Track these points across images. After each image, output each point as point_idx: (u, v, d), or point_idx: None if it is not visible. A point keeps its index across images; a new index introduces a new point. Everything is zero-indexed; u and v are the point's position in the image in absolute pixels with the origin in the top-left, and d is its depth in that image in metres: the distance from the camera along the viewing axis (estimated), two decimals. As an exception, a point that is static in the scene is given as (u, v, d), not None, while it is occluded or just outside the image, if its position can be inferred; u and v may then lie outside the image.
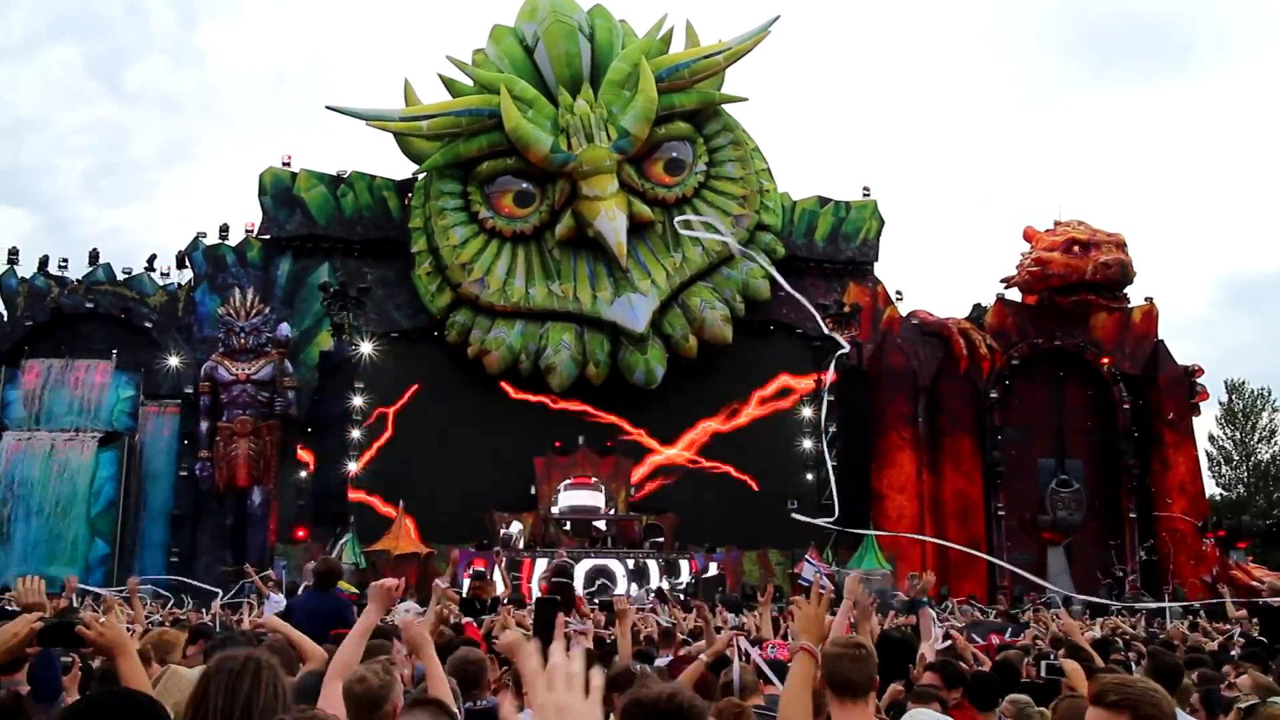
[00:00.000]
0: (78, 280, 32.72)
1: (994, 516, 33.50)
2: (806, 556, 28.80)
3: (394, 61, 75.76)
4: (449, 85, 32.77)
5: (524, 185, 32.12)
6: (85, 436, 31.45)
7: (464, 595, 11.01)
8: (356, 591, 24.65)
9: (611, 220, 30.59)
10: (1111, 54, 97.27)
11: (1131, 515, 33.93)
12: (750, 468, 32.52)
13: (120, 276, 33.02)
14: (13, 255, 32.64)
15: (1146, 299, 36.11)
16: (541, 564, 26.96)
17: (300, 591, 10.81)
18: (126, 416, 32.00)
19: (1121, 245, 33.85)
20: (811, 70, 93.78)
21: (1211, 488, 48.62)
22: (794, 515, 26.34)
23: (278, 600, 12.15)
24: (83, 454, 31.23)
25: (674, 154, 32.75)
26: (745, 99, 33.99)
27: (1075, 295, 33.78)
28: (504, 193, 32.11)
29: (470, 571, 18.82)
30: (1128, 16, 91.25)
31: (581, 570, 26.97)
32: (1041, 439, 34.54)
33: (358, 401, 30.42)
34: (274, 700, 2.71)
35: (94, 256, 33.11)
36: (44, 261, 32.94)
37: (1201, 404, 36.14)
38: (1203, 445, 39.48)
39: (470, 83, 32.51)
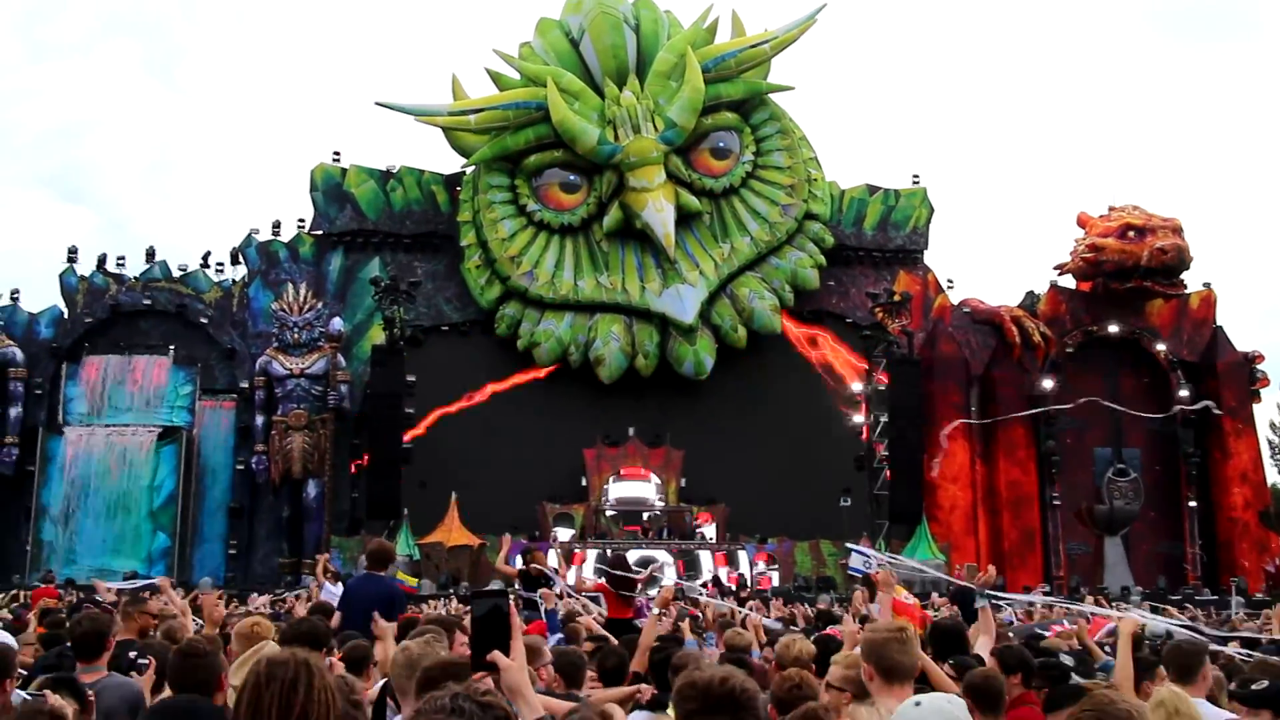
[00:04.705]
0: (135, 277, 33.29)
1: (1049, 506, 33.01)
2: (857, 546, 28.71)
3: (442, 56, 76.18)
4: (496, 79, 32.93)
5: (571, 177, 32.21)
6: (144, 431, 32.02)
7: (523, 570, 10.91)
8: (415, 584, 24.96)
9: (659, 211, 30.60)
10: (1167, 32, 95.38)
11: (1191, 504, 33.29)
12: (800, 458, 32.27)
13: (176, 273, 33.55)
14: (72, 253, 33.26)
15: (1205, 284, 35.41)
16: (593, 555, 27.01)
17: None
18: (185, 411, 32.54)
19: (1178, 230, 33.10)
20: (858, 57, 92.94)
21: (1274, 475, 47.58)
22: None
23: (334, 590, 12.26)
24: (143, 449, 31.81)
25: (721, 144, 32.68)
26: (792, 88, 33.89)
27: (1130, 281, 33.07)
28: (551, 185, 32.24)
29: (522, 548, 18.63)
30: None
31: (630, 561, 26.92)
32: (1097, 427, 33.93)
33: (409, 395, 30.57)
34: (325, 707, 2.64)
35: (150, 254, 33.67)
36: (102, 259, 33.56)
37: (1263, 390, 35.33)
38: (1264, 433, 38.35)
39: (517, 76, 32.67)
